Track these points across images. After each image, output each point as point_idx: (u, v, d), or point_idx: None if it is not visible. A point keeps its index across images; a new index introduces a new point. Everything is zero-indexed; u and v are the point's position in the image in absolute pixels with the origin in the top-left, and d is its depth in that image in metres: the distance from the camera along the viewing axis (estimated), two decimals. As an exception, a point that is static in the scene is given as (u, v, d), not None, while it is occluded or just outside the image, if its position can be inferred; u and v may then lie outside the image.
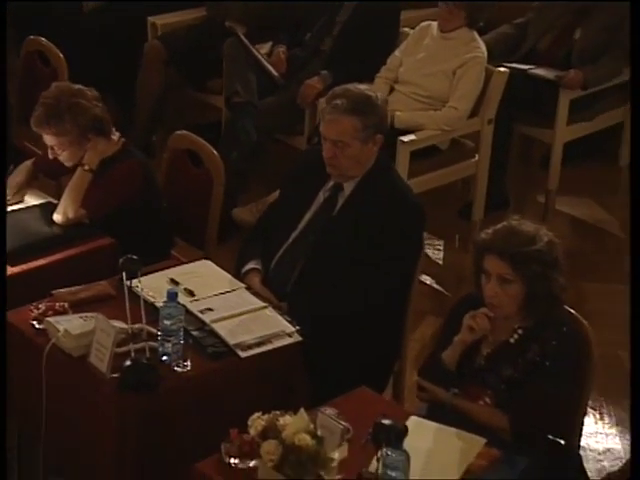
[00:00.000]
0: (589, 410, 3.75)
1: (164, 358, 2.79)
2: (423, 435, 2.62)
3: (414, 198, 3.24)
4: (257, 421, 2.45)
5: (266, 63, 4.67)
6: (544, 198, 4.94)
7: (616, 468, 3.46)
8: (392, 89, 4.53)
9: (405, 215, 3.16)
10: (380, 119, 3.12)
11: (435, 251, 4.63)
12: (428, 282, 4.44)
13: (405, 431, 2.36)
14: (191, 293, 3.08)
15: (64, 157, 3.43)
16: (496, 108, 4.48)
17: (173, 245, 3.68)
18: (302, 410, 2.43)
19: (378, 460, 2.37)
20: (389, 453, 2.34)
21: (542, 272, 2.72)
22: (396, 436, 2.33)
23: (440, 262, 4.59)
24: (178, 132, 3.74)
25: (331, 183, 3.23)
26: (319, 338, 3.01)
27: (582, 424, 2.91)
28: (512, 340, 2.81)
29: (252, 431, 2.44)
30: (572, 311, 2.90)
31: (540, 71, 4.67)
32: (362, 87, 3.15)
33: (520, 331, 2.81)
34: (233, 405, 2.76)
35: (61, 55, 4.24)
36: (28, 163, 3.63)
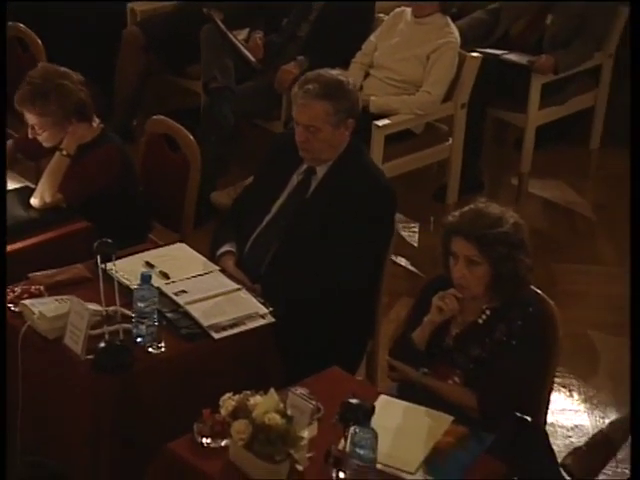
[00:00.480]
0: (558, 387, 3.77)
1: (138, 340, 2.78)
2: (392, 413, 2.63)
3: (386, 181, 3.23)
4: (228, 401, 2.45)
5: (243, 49, 4.65)
6: (517, 181, 4.95)
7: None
8: (367, 74, 4.52)
9: (377, 198, 3.15)
10: (352, 104, 3.10)
11: (410, 233, 4.63)
12: (403, 264, 4.44)
13: (372, 410, 2.36)
14: (166, 276, 3.06)
15: (43, 138, 3.41)
16: (469, 93, 4.47)
17: (150, 229, 3.66)
18: (272, 390, 2.43)
19: (346, 438, 2.37)
20: (357, 431, 2.34)
21: (508, 253, 2.72)
22: (363, 415, 2.33)
23: (415, 244, 4.59)
24: (155, 117, 3.72)
25: (304, 167, 3.21)
26: (292, 319, 3.01)
27: (548, 401, 2.92)
28: (480, 320, 2.81)
29: (223, 411, 2.44)
30: (538, 291, 2.90)
31: (512, 56, 4.66)
32: (334, 72, 3.13)
33: (488, 312, 2.81)
34: (207, 386, 2.75)
35: (39, 41, 4.21)
36: (9, 143, 3.61)
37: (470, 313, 2.83)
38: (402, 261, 4.45)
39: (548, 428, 3.55)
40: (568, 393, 3.76)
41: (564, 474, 3.01)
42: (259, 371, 2.87)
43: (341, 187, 3.14)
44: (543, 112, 4.75)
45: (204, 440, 2.48)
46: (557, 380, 3.81)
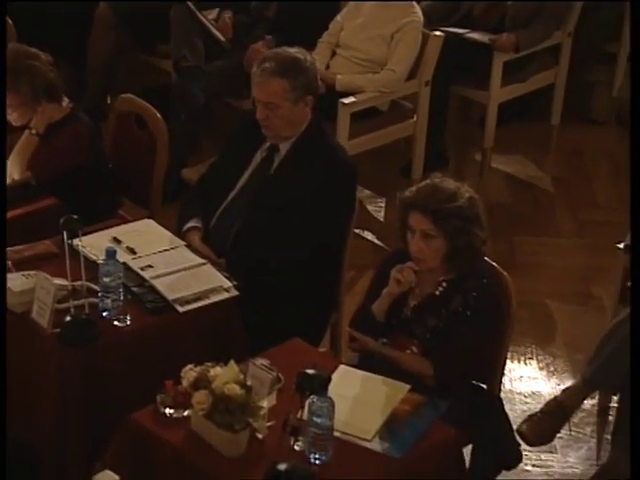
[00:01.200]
0: (517, 355, 3.79)
1: (104, 313, 2.76)
2: (351, 383, 2.63)
3: (347, 158, 3.21)
4: (189, 373, 2.44)
5: (213, 29, 4.59)
6: (481, 156, 4.94)
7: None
8: (334, 53, 4.48)
9: (338, 174, 3.13)
10: (309, 80, 3.08)
11: (377, 208, 4.61)
12: (370, 238, 4.43)
13: (328, 380, 2.35)
14: (132, 251, 3.04)
15: (13, 118, 3.36)
16: (433, 71, 4.44)
17: (120, 205, 3.63)
18: (232, 362, 2.42)
19: (304, 407, 2.37)
20: (314, 400, 2.34)
21: (462, 227, 2.72)
22: (319, 384, 2.32)
23: (381, 219, 4.57)
24: (123, 95, 3.68)
25: (268, 144, 3.19)
26: (256, 292, 3.00)
27: (503, 369, 2.92)
28: (437, 292, 2.81)
29: (184, 382, 2.43)
30: (493, 263, 2.89)
31: (475, 35, 4.64)
32: (292, 50, 3.10)
33: (444, 283, 2.81)
34: (172, 358, 2.73)
35: (9, 20, 4.13)
36: None
37: (427, 285, 2.82)
38: (369, 235, 4.45)
39: (506, 395, 3.60)
40: (526, 361, 3.78)
41: (519, 440, 3.03)
42: (223, 343, 2.86)
43: (303, 164, 3.12)
44: (505, 89, 4.73)
45: (167, 410, 2.47)
46: (515, 348, 3.84)
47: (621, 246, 3.39)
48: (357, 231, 4.46)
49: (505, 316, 2.82)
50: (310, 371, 2.34)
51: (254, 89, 3.08)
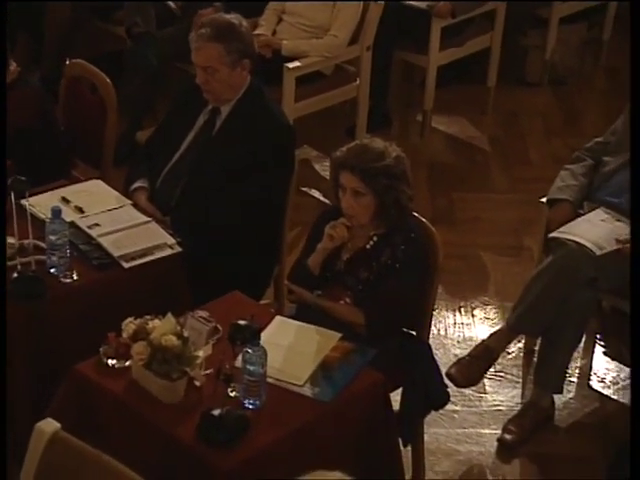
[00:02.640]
0: (451, 304, 3.80)
1: (52, 270, 2.72)
2: (285, 333, 2.61)
3: (285, 120, 3.17)
4: (129, 325, 2.41)
5: (164, -4, 4.50)
6: (422, 117, 4.91)
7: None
8: (280, 19, 4.40)
9: (276, 135, 3.08)
10: (244, 45, 3.02)
11: (323, 167, 4.57)
12: (316, 195, 4.40)
13: (259, 330, 2.34)
14: (81, 210, 2.99)
15: None
16: (373, 36, 4.38)
17: (74, 167, 3.56)
18: (169, 314, 2.39)
19: (236, 357, 2.35)
20: (248, 350, 2.32)
21: (390, 184, 2.69)
22: (251, 334, 2.31)
23: (327, 177, 4.52)
24: (74, 61, 3.60)
25: (210, 107, 3.14)
26: (199, 249, 2.96)
27: (431, 316, 2.92)
28: (368, 246, 2.80)
29: (124, 334, 2.41)
30: (422, 218, 2.87)
31: (413, 2, 4.58)
32: (227, 16, 3.04)
33: (375, 238, 2.80)
34: (118, 312, 2.68)
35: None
36: None
37: (359, 240, 2.81)
38: (315, 193, 4.42)
39: (441, 341, 3.62)
40: (460, 309, 3.79)
41: (449, 382, 3.05)
42: (167, 298, 2.82)
43: (243, 125, 3.08)
44: (443, 53, 4.69)
45: (110, 361, 2.44)
46: (450, 298, 3.85)
47: (544, 200, 3.39)
48: (304, 189, 4.44)
49: (432, 267, 2.81)
50: (242, 322, 2.33)
51: (192, 54, 3.03)
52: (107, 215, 2.98)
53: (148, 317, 2.41)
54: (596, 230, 3.11)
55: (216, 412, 2.25)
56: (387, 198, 2.70)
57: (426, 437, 3.02)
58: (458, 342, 3.61)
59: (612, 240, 3.09)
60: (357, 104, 4.56)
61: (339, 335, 2.61)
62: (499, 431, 3.19)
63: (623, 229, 3.12)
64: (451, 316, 3.74)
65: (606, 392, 3.40)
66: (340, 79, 4.46)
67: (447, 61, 4.75)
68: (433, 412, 2.93)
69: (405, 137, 4.84)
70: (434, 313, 3.66)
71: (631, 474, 2.11)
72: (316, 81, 4.36)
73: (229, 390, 2.38)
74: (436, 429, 3.18)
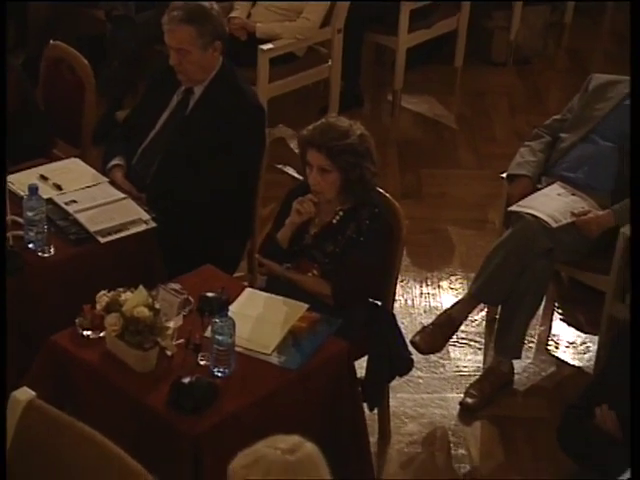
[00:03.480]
0: (418, 276, 3.80)
1: (30, 245, 2.69)
2: (254, 304, 2.60)
3: (256, 100, 3.14)
4: (102, 297, 2.39)
5: (143, -20, 4.43)
6: (392, 97, 4.88)
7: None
8: (255, 3, 4.36)
9: (247, 114, 3.06)
10: (215, 27, 2.98)
11: (297, 145, 4.52)
12: (291, 172, 4.37)
13: (227, 302, 2.33)
14: (59, 187, 2.96)
15: None
16: (344, 19, 4.35)
17: (54, 145, 3.51)
18: (141, 287, 2.38)
19: (206, 327, 2.34)
20: (217, 320, 2.31)
21: (355, 162, 2.68)
22: (219, 306, 2.30)
23: (301, 155, 4.50)
24: (53, 42, 3.54)
25: (183, 87, 3.10)
26: (174, 225, 2.94)
27: (395, 287, 2.91)
28: (334, 221, 2.79)
29: (98, 306, 2.39)
30: (386, 194, 2.86)
31: (383, -15, 4.55)
32: (199, -1, 3.00)
33: (341, 213, 2.78)
34: (94, 285, 2.65)
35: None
36: None
37: (326, 215, 2.79)
38: (290, 170, 4.39)
39: (407, 310, 3.62)
40: (426, 280, 3.79)
41: (414, 350, 3.05)
42: (142, 272, 2.79)
43: (215, 105, 3.05)
44: (412, 35, 4.66)
45: (85, 332, 2.43)
46: (417, 269, 3.85)
47: (504, 175, 3.39)
48: (279, 166, 4.41)
49: (395, 240, 2.80)
50: (210, 294, 2.32)
51: (165, 36, 2.99)
52: (84, 192, 2.95)
53: (121, 289, 2.39)
54: (553, 204, 3.11)
55: (186, 380, 2.25)
56: (352, 175, 2.69)
57: (392, 402, 3.03)
58: (424, 312, 3.61)
59: (567, 213, 3.09)
60: (329, 85, 4.53)
61: (306, 306, 2.60)
62: (462, 395, 3.20)
63: (578, 202, 3.13)
64: (418, 287, 3.74)
65: (562, 357, 3.42)
66: (312, 60, 4.42)
67: (416, 43, 4.72)
68: (399, 378, 2.94)
69: (376, 116, 4.81)
70: (402, 284, 3.70)
71: (631, 474, 2.09)
72: (289, 62, 4.31)
73: (199, 359, 2.37)
74: (402, 394, 3.19)
